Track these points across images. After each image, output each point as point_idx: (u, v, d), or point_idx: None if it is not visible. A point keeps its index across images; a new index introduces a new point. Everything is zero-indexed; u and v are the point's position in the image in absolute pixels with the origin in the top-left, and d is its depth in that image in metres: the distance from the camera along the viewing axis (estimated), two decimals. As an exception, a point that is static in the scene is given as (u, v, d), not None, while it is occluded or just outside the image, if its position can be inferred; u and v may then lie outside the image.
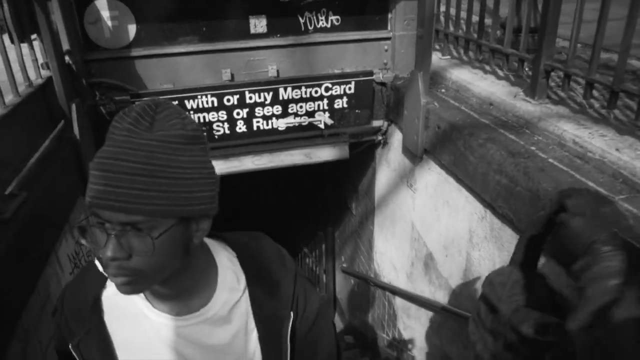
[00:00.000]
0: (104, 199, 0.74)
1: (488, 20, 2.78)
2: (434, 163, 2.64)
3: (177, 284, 0.89)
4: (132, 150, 0.75)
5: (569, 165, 1.83)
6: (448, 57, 3.13)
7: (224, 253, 1.00)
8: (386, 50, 3.07)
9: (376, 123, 3.23)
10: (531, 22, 2.50)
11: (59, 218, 2.07)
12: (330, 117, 3.10)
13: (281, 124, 3.03)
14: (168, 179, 0.76)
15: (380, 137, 3.33)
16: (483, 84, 2.58)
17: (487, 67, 2.79)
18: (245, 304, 0.97)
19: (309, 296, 1.05)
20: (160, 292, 0.91)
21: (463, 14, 3.04)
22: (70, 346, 0.96)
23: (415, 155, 2.80)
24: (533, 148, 1.99)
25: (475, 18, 2.83)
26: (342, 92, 3.03)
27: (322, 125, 3.11)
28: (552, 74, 2.24)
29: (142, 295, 0.93)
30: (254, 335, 0.98)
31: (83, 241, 0.81)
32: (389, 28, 3.04)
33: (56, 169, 2.07)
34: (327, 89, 3.00)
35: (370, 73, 3.03)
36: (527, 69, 2.46)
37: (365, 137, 3.32)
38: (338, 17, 2.97)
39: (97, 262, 0.97)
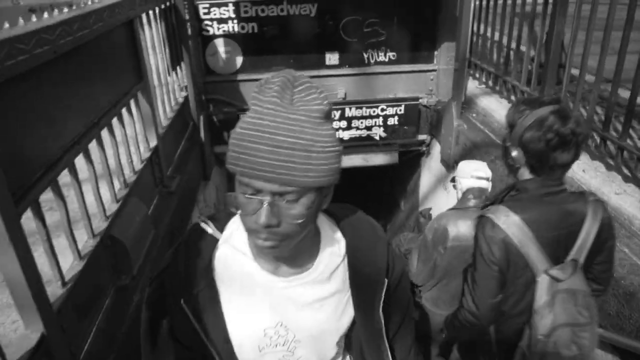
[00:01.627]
0: (262, 171, 0.78)
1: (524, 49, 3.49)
2: (460, 171, 3.40)
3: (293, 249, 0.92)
4: (284, 125, 0.78)
5: (549, 179, 2.56)
6: (483, 86, 3.87)
7: (326, 221, 1.04)
8: (432, 80, 3.85)
9: (421, 137, 4.03)
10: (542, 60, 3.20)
11: (194, 193, 3.05)
12: (384, 131, 3.93)
13: (346, 135, 3.90)
14: (317, 153, 0.80)
15: (424, 148, 4.12)
16: (504, 112, 3.31)
17: (512, 97, 3.51)
18: (343, 270, 1.02)
19: (396, 261, 1.08)
20: (272, 254, 0.94)
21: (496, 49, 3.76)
22: (182, 301, 0.98)
23: (448, 165, 3.58)
24: (527, 165, 2.73)
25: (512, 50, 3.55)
26: (394, 112, 3.85)
27: (377, 137, 3.95)
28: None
29: (251, 256, 0.98)
30: (348, 298, 1.03)
31: (233, 209, 0.86)
32: (434, 62, 3.82)
33: (192, 160, 3.05)
34: (382, 110, 3.83)
35: (417, 98, 3.83)
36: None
37: (412, 147, 4.12)
38: (394, 53, 3.79)
39: (204, 225, 1.02)
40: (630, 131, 2.38)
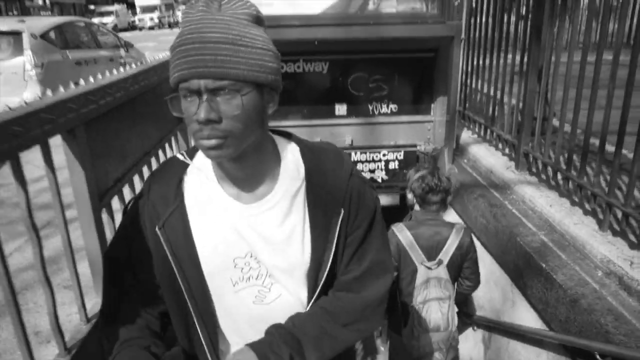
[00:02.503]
0: (193, 67, 0.82)
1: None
2: (453, 210, 3.82)
3: (248, 164, 0.95)
4: (210, 24, 0.84)
5: (522, 214, 2.96)
6: (475, 135, 4.33)
7: (288, 146, 1.05)
8: (429, 129, 4.34)
9: (420, 180, 4.46)
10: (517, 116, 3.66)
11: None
12: (385, 174, 4.38)
13: (351, 176, 4.35)
14: (246, 47, 0.84)
15: (423, 191, 4.54)
16: (491, 159, 3.76)
17: (500, 146, 3.96)
18: (303, 195, 1.02)
19: (364, 199, 1.05)
20: (232, 174, 0.97)
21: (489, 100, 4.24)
22: (156, 228, 1.00)
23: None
24: (506, 202, 3.14)
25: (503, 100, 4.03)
26: (395, 158, 4.32)
27: (379, 180, 4.40)
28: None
29: (214, 179, 1.00)
30: (307, 226, 1.01)
31: (175, 113, 0.88)
32: (431, 114, 4.32)
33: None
34: (384, 155, 4.31)
35: (415, 145, 4.30)
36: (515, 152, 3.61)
37: (412, 190, 4.54)
38: (396, 105, 4.31)
39: (178, 155, 1.06)
40: (594, 171, 2.80)
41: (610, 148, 2.54)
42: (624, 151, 2.49)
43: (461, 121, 4.57)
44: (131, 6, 45.68)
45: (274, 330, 1.01)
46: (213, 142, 0.87)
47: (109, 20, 35.94)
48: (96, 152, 1.62)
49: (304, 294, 1.06)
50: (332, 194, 1.02)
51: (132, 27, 40.73)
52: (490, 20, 3.96)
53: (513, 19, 3.75)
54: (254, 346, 0.98)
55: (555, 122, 3.28)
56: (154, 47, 19.87)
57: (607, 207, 2.47)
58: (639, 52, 2.22)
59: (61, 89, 1.48)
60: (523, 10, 3.50)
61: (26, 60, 6.58)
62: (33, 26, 7.08)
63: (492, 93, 3.98)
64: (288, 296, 1.05)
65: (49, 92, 1.41)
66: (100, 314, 1.10)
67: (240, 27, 0.86)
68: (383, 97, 4.29)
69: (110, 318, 1.07)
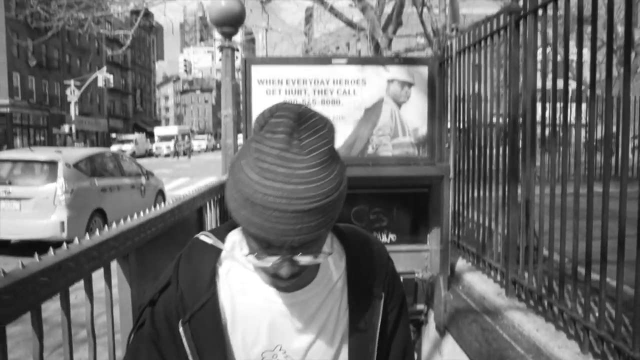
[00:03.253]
0: (282, 235, 0.77)
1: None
2: (449, 334, 4.01)
3: None
4: (301, 186, 0.75)
5: (512, 338, 3.18)
6: (469, 264, 4.65)
7: (329, 234, 1.01)
8: (425, 258, 4.68)
9: (419, 306, 4.70)
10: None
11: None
12: (387, 298, 4.63)
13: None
14: (335, 201, 0.79)
15: (422, 317, 4.74)
16: (483, 285, 4.04)
17: (491, 273, 4.26)
18: (343, 282, 0.99)
19: (397, 281, 1.06)
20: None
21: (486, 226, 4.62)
22: (180, 323, 0.92)
23: (440, 330, 4.18)
24: (497, 327, 3.37)
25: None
26: (395, 283, 4.61)
27: (381, 304, 4.63)
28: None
29: (252, 269, 0.94)
30: (345, 319, 0.99)
31: (251, 257, 0.84)
32: (427, 244, 4.69)
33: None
34: (385, 280, 4.60)
35: (414, 272, 4.61)
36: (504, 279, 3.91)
37: (411, 317, 4.75)
38: (395, 235, 4.70)
39: (204, 237, 0.97)
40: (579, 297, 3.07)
41: (594, 276, 2.86)
42: (608, 279, 2.80)
43: (456, 250, 4.92)
44: (150, 135, 48.87)
45: None
46: (288, 284, 0.89)
47: (128, 147, 38.32)
48: (140, 274, 1.97)
49: None
50: (373, 279, 1.01)
51: (149, 154, 43.17)
52: (476, 155, 4.50)
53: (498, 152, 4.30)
54: None
55: (545, 251, 3.63)
56: (170, 174, 21.01)
57: (584, 330, 2.72)
58: (609, 187, 2.65)
59: (122, 222, 1.89)
60: (501, 151, 4.05)
61: (58, 186, 7.21)
62: (68, 156, 7.85)
63: (481, 223, 4.38)
64: None
65: (114, 225, 1.81)
66: None
67: (329, 178, 0.78)
68: (383, 228, 4.70)
69: None
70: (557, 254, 3.19)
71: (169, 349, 0.95)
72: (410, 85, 4.30)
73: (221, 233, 1.00)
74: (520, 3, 3.54)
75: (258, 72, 4.11)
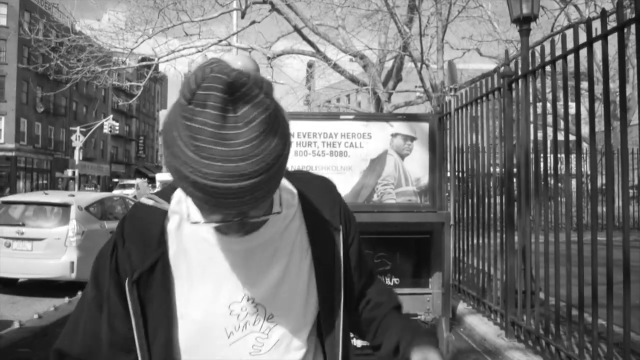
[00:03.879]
0: (229, 207, 0.74)
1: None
2: (452, 376, 4.16)
3: None
4: (242, 162, 0.70)
5: (512, 375, 3.36)
6: (470, 307, 4.85)
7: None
8: (428, 301, 4.88)
9: (422, 348, 4.84)
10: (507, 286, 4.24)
11: None
12: (391, 341, 4.79)
13: (358, 343, 4.76)
14: (280, 165, 0.76)
15: (426, 359, 4.89)
16: (483, 327, 4.24)
17: (491, 316, 4.46)
18: (299, 220, 0.99)
19: (351, 215, 1.08)
20: None
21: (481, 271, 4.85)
22: (126, 282, 0.89)
23: (444, 371, 4.34)
24: (497, 366, 3.56)
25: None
26: (398, 325, 4.79)
27: (385, 346, 4.79)
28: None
29: (200, 219, 0.85)
30: (308, 255, 0.97)
31: (195, 215, 0.86)
32: (429, 287, 4.91)
33: None
34: (389, 322, 4.79)
35: (416, 315, 4.80)
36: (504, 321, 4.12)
37: (415, 358, 4.89)
38: (398, 279, 4.92)
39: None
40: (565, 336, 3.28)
41: (587, 318, 3.09)
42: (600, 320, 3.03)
43: (457, 294, 5.13)
44: (152, 180, 49.34)
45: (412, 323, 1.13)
46: (240, 236, 0.89)
47: (130, 192, 38.61)
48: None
49: (305, 328, 0.96)
50: (330, 212, 1.01)
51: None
52: (474, 204, 4.80)
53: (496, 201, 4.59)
54: (431, 342, 1.03)
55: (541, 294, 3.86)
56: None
57: (578, 367, 2.92)
58: (597, 236, 2.93)
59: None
60: (499, 200, 4.35)
61: (70, 228, 7.45)
62: (80, 200, 8.13)
63: (481, 269, 4.62)
64: (287, 339, 0.94)
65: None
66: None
67: (271, 146, 0.73)
68: (387, 271, 4.92)
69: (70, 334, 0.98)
70: (552, 298, 3.43)
71: (116, 309, 0.92)
72: (412, 139, 4.66)
73: (167, 193, 0.96)
74: (512, 67, 3.96)
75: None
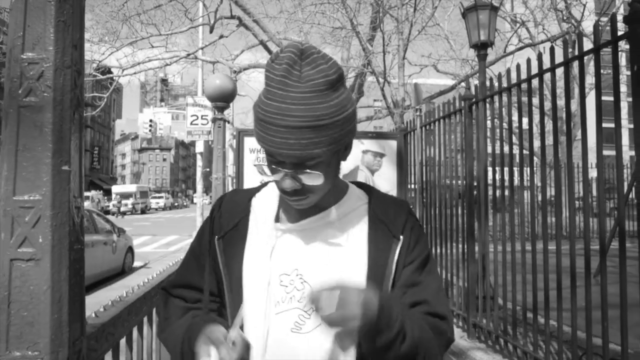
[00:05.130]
0: (279, 147, 0.90)
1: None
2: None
3: (319, 201, 1.01)
4: (292, 105, 0.88)
5: (476, 373, 3.68)
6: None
7: (355, 186, 1.13)
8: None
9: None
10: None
11: None
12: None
13: None
14: (326, 125, 0.89)
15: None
16: (448, 331, 4.56)
17: (454, 319, 4.79)
18: (364, 217, 1.06)
19: (421, 239, 1.07)
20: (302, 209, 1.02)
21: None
22: (216, 238, 1.09)
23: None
24: (461, 365, 3.87)
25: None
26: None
27: None
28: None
29: (277, 197, 1.09)
30: (365, 248, 1.02)
31: (264, 176, 0.99)
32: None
33: None
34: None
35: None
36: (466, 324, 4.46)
37: None
38: (368, 287, 5.20)
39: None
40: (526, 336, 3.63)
41: (540, 319, 3.44)
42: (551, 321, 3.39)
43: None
44: (106, 192, 47.97)
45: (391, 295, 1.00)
46: (296, 203, 0.99)
47: (85, 204, 37.38)
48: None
49: None
50: (393, 221, 1.05)
51: (105, 212, 42.14)
52: (438, 215, 5.14)
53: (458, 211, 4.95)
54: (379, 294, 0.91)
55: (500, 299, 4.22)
56: (130, 232, 20.70)
57: (534, 362, 3.27)
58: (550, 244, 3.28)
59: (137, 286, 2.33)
60: (460, 210, 4.71)
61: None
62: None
63: (444, 276, 4.96)
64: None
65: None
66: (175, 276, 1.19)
67: (322, 105, 0.89)
68: (357, 280, 5.18)
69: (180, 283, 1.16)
70: (510, 302, 3.78)
71: (206, 261, 1.12)
72: (382, 155, 4.97)
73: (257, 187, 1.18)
74: (473, 91, 4.35)
75: (250, 142, 4.68)
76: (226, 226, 1.10)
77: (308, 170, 0.93)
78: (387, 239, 1.03)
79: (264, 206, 1.10)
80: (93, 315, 1.29)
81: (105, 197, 44.08)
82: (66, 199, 0.94)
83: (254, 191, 1.15)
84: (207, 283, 1.10)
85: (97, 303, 1.06)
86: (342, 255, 1.01)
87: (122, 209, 41.18)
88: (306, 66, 0.90)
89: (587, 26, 12.72)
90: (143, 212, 44.91)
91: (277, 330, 0.99)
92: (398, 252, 1.02)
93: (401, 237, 1.03)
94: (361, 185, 1.14)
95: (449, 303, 1.23)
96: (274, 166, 0.95)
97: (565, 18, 13.72)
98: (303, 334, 0.98)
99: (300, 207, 1.00)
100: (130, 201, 42.97)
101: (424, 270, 1.04)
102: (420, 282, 1.02)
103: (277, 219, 1.07)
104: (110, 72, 12.98)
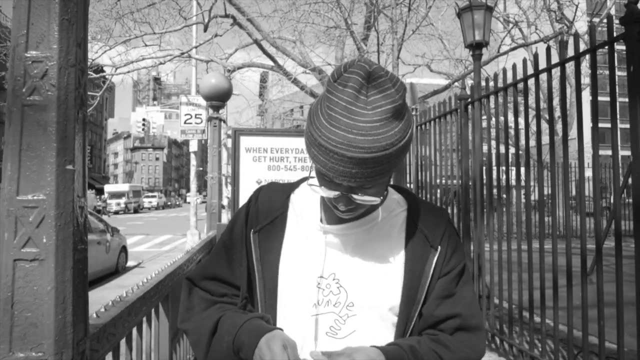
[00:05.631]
0: (341, 175, 0.87)
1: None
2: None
3: None
4: (360, 137, 0.84)
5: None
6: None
7: (394, 191, 1.11)
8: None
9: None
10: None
11: None
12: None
13: None
14: (391, 154, 0.87)
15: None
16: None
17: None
18: (403, 225, 1.05)
19: (458, 249, 1.06)
20: None
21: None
22: (251, 232, 1.07)
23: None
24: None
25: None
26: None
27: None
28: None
29: (319, 198, 1.06)
30: (402, 256, 1.02)
31: (317, 186, 0.95)
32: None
33: None
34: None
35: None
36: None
37: None
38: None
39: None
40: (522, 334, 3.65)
41: (536, 318, 3.46)
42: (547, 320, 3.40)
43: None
44: (99, 191, 47.68)
45: (402, 343, 0.98)
46: (346, 213, 0.96)
47: (76, 204, 37.06)
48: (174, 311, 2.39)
49: (383, 331, 1.00)
50: (432, 230, 1.04)
51: (97, 211, 41.91)
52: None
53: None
54: (388, 353, 0.93)
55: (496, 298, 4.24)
56: (124, 232, 20.62)
57: (530, 359, 3.29)
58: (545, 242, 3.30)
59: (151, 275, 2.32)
60: (455, 210, 4.72)
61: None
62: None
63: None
64: (363, 333, 0.99)
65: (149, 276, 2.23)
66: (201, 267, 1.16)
67: (388, 133, 0.86)
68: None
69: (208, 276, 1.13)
70: (506, 301, 3.80)
71: (239, 255, 1.10)
72: (377, 154, 4.98)
73: (298, 181, 1.17)
74: (468, 91, 4.36)
75: (245, 141, 4.67)
76: (263, 220, 1.09)
77: (365, 197, 0.92)
78: (424, 248, 1.02)
79: (305, 205, 1.09)
80: (94, 315, 1.28)
81: (98, 197, 43.82)
82: (70, 198, 0.94)
83: (293, 187, 1.14)
84: (243, 277, 1.09)
85: (92, 303, 1.04)
86: (379, 263, 1.01)
87: (115, 208, 40.91)
88: (372, 89, 0.86)
89: (580, 26, 12.82)
90: (136, 211, 44.69)
91: (314, 333, 0.99)
92: (435, 262, 1.01)
93: (439, 247, 1.02)
94: (400, 190, 1.13)
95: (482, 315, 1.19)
96: (328, 184, 0.93)
97: (558, 18, 13.81)
98: (339, 339, 0.98)
99: (346, 217, 0.99)
100: (123, 200, 42.71)
101: (460, 281, 1.04)
102: (455, 294, 1.02)
103: (320, 220, 1.06)
104: (103, 71, 12.91)
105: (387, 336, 1.00)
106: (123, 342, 1.54)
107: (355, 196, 0.92)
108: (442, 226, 1.05)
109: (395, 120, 0.87)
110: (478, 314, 1.04)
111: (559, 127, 11.81)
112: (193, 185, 14.31)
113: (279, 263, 1.04)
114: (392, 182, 1.12)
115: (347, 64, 0.89)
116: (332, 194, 0.93)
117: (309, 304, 1.00)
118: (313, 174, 0.99)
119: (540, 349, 3.37)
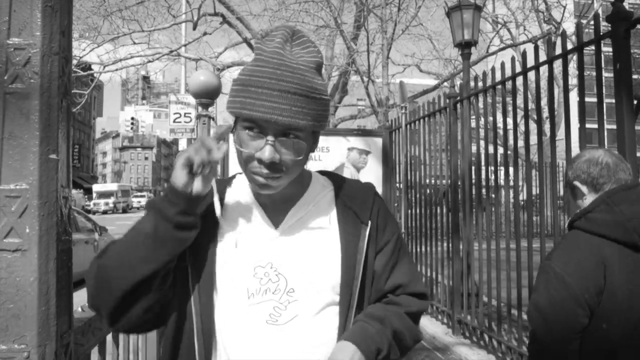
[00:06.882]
0: (268, 113, 0.88)
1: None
2: (406, 373, 4.48)
3: (286, 190, 0.99)
4: (288, 72, 0.89)
5: (460, 368, 3.71)
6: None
7: (318, 175, 1.11)
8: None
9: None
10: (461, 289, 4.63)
11: None
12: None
13: None
14: (315, 99, 0.92)
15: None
16: (432, 327, 4.59)
17: (439, 317, 4.82)
18: (332, 205, 1.06)
19: (389, 222, 1.08)
20: (271, 199, 1.01)
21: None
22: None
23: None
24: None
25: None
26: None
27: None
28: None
29: (249, 187, 1.04)
30: (336, 236, 1.02)
31: (239, 147, 0.93)
32: (382, 292, 5.22)
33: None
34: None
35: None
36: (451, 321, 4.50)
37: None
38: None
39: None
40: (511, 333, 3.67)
41: (524, 315, 3.48)
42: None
43: (407, 298, 5.47)
44: (87, 191, 47.22)
45: (363, 318, 1.01)
46: (269, 180, 0.94)
47: (64, 204, 36.61)
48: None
49: (327, 312, 1.00)
50: (360, 206, 1.05)
51: (86, 211, 41.48)
52: (423, 213, 5.18)
53: (443, 210, 4.99)
54: (352, 338, 0.96)
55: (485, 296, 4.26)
56: (112, 231, 20.40)
57: (520, 356, 3.30)
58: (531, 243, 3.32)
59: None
60: (445, 210, 4.75)
61: (15, 243, 7.18)
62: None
63: (429, 274, 5.00)
64: (305, 317, 0.98)
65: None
66: None
67: (312, 78, 0.92)
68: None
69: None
70: (494, 299, 3.82)
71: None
72: (367, 152, 4.99)
73: (226, 180, 1.14)
74: (457, 90, 4.38)
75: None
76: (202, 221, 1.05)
77: (291, 139, 0.93)
78: (355, 224, 1.03)
79: (236, 197, 1.07)
80: (79, 309, 1.26)
81: (86, 196, 43.40)
82: (54, 188, 0.92)
83: (228, 181, 1.12)
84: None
85: (79, 303, 1.01)
86: (315, 245, 1.01)
87: (103, 207, 40.52)
88: (297, 46, 0.95)
89: (568, 27, 12.92)
90: (125, 211, 44.29)
91: (252, 322, 0.98)
92: (368, 237, 1.03)
93: (369, 222, 1.04)
94: (323, 173, 1.14)
95: (421, 277, 1.23)
96: (253, 133, 0.92)
97: (546, 20, 13.93)
98: (279, 325, 0.97)
99: (269, 191, 0.97)
100: (111, 200, 42.31)
101: (399, 252, 1.08)
102: (396, 265, 1.06)
103: (250, 211, 1.05)
104: (91, 69, 12.78)
105: (331, 317, 1.00)
106: (109, 338, 1.52)
107: (279, 146, 0.92)
108: (370, 201, 1.07)
109: (318, 75, 0.94)
110: (418, 278, 1.11)
111: (547, 127, 11.92)
112: (182, 185, 14.14)
113: (215, 257, 1.01)
114: (367, 181, 1.16)
115: (273, 28, 0.97)
116: (257, 143, 0.92)
117: (244, 296, 0.98)
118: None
119: (527, 345, 3.38)
